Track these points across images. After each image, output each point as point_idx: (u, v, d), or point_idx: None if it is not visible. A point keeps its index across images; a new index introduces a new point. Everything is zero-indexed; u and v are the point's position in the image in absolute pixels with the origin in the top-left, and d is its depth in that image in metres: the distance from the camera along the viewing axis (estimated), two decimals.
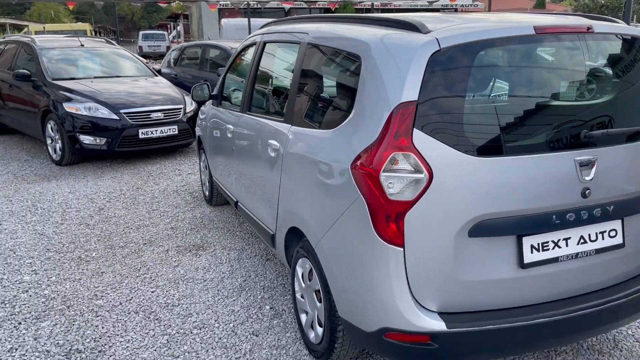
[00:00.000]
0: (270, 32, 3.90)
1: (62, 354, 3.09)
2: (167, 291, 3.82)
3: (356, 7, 18.79)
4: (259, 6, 18.38)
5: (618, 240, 2.48)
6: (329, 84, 2.95)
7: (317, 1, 19.77)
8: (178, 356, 3.06)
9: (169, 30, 43.37)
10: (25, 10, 59.79)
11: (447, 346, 2.29)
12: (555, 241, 2.36)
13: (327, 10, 22.11)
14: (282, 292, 3.76)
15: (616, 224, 2.48)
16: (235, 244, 4.64)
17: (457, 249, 2.24)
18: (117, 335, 3.28)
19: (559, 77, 2.45)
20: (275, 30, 3.82)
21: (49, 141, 7.57)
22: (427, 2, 20.13)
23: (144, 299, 3.72)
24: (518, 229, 2.29)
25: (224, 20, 16.22)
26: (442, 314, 2.30)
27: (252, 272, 4.08)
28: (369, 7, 20.71)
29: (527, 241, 2.31)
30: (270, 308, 3.56)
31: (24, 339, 3.24)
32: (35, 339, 3.24)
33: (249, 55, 4.28)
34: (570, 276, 2.41)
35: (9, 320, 3.46)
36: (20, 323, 3.42)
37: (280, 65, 3.74)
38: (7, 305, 3.65)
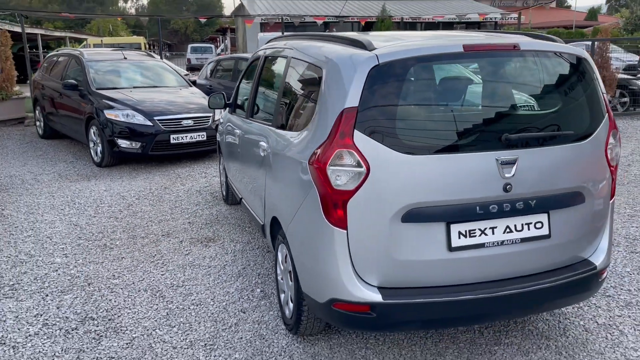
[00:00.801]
0: (270, 48, 4.39)
1: (78, 320, 3.63)
2: (174, 274, 4.34)
3: (394, 20, 19.27)
4: (291, 21, 19.12)
5: (544, 231, 2.82)
6: (301, 92, 3.41)
7: (349, 16, 20.38)
8: (174, 326, 3.55)
9: (218, 44, 44.97)
10: (85, 24, 62.90)
11: (383, 315, 2.68)
12: (482, 229, 2.72)
13: (363, 24, 22.66)
14: (275, 278, 4.21)
15: (542, 217, 2.81)
16: (242, 237, 5.13)
17: (392, 232, 2.64)
18: (126, 307, 3.81)
19: (485, 87, 2.82)
20: (274, 46, 4.31)
21: (91, 145, 8.32)
22: (456, 16, 20.39)
23: (153, 280, 4.24)
24: (446, 217, 2.66)
25: (259, 34, 16.98)
26: (381, 288, 2.70)
27: (251, 262, 4.55)
28: (400, 20, 21.17)
29: (455, 228, 2.69)
30: (261, 291, 4.01)
31: (48, 308, 3.81)
32: (57, 308, 3.80)
33: (255, 67, 4.79)
34: (496, 261, 2.76)
35: (38, 292, 4.05)
36: (47, 295, 4.00)
37: (273, 76, 4.22)
38: (39, 281, 4.25)
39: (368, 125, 2.60)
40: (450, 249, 2.68)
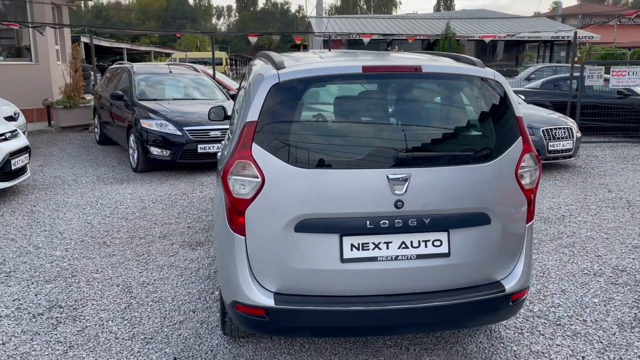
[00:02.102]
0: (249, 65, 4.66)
1: (47, 307, 4.01)
2: (150, 273, 4.65)
3: (457, 37, 19.09)
4: (357, 38, 19.35)
5: (443, 249, 2.84)
6: (237, 106, 3.63)
7: (414, 35, 20.40)
8: (126, 319, 3.84)
9: None
10: (176, 40, 66.44)
11: (276, 320, 2.82)
12: (376, 243, 2.80)
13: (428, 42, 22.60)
14: None
15: (441, 235, 2.84)
16: None
17: (286, 241, 2.78)
18: (94, 299, 4.15)
19: (383, 107, 2.91)
20: (250, 64, 4.56)
21: (130, 151, 8.94)
22: (528, 36, 19.80)
23: (130, 276, 4.58)
24: (339, 229, 2.77)
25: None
26: (277, 294, 2.84)
27: None
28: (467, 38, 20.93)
29: (348, 240, 2.78)
30: (219, 293, 4.23)
31: (27, 294, 4.23)
32: (35, 295, 4.21)
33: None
34: (390, 275, 2.82)
35: (26, 280, 4.49)
36: (32, 283, 4.43)
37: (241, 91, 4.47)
38: (32, 270, 4.71)
39: (265, 138, 2.77)
40: (343, 260, 2.78)
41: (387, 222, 2.77)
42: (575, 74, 12.11)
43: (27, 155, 7.36)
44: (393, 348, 3.44)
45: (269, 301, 2.80)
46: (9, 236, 5.62)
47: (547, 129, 8.82)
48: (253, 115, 2.80)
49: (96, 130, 11.61)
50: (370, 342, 3.49)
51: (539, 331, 3.65)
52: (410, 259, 2.82)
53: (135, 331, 3.67)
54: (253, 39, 15.33)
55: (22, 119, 10.27)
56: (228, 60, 49.84)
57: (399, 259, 2.81)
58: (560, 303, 4.07)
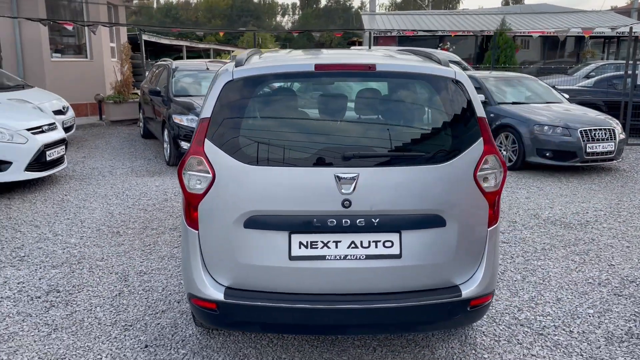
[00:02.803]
0: None
1: (47, 290, 4.24)
2: (151, 263, 4.82)
3: (512, 34, 18.43)
4: (407, 35, 19.09)
5: (394, 251, 2.80)
6: None
7: (462, 30, 19.86)
8: (114, 306, 4.00)
9: None
10: (239, 37, 67.92)
11: (226, 314, 2.87)
12: (325, 242, 2.79)
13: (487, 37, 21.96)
14: None
15: (393, 236, 2.80)
16: None
17: (235, 236, 2.82)
18: (90, 285, 4.35)
19: (334, 106, 2.88)
20: None
21: (164, 145, 9.25)
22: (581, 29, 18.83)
23: (130, 265, 4.76)
24: (288, 227, 2.78)
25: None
26: (229, 288, 2.89)
27: None
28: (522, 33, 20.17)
29: (296, 238, 2.79)
30: None
31: (32, 278, 4.48)
32: (39, 279, 4.46)
33: None
34: (339, 274, 2.80)
35: (36, 265, 4.76)
36: (40, 268, 4.70)
37: None
38: (44, 256, 4.98)
39: (217, 135, 2.82)
40: (291, 257, 2.79)
41: (335, 221, 2.76)
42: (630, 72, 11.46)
43: (62, 147, 7.77)
44: (360, 348, 3.42)
45: (219, 295, 2.86)
46: (35, 223, 5.97)
47: (585, 130, 8.41)
48: (207, 112, 2.86)
49: (140, 124, 12.08)
50: (338, 341, 3.48)
51: (518, 340, 3.52)
52: (360, 259, 2.79)
53: (119, 318, 3.82)
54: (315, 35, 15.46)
55: (70, 113, 10.82)
56: None
57: (348, 259, 2.79)
58: (551, 312, 3.90)
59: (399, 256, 2.80)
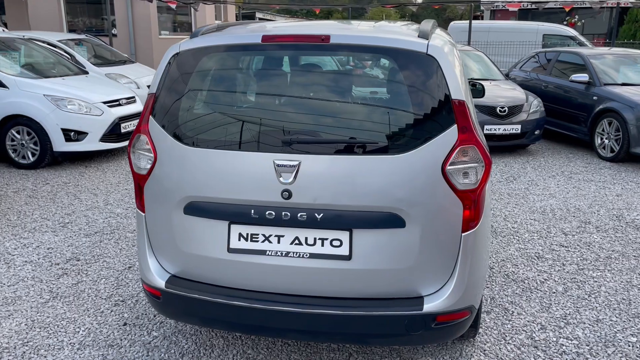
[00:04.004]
0: None
1: (68, 258, 4.39)
2: None
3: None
4: (534, 7, 17.32)
5: (343, 251, 2.44)
6: None
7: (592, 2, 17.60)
8: (119, 279, 4.04)
9: None
10: (363, 14, 67.45)
11: (167, 303, 2.71)
12: (266, 235, 2.50)
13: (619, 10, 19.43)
14: None
15: (342, 235, 2.44)
16: None
17: (176, 222, 2.63)
18: (108, 256, 4.43)
19: (280, 84, 2.52)
20: None
21: None
22: None
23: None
24: (227, 216, 2.53)
25: (451, 24, 16.10)
26: (173, 277, 2.72)
27: None
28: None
29: (236, 229, 2.53)
30: None
31: (63, 244, 4.67)
32: (68, 245, 4.64)
33: None
34: (280, 272, 2.50)
35: (73, 231, 4.96)
36: (75, 235, 4.89)
37: None
38: (84, 223, 5.19)
39: (160, 112, 2.62)
40: (229, 250, 2.55)
41: (274, 213, 2.46)
42: None
43: (137, 120, 8.10)
44: (335, 352, 3.10)
45: (161, 283, 2.70)
46: (95, 191, 6.27)
47: None
48: (153, 87, 2.68)
49: None
50: (312, 342, 3.18)
51: None
52: (303, 257, 2.47)
53: (116, 292, 3.84)
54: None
55: None
56: None
57: (290, 256, 2.48)
58: (581, 336, 3.27)
59: (348, 257, 2.44)
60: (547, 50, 10.43)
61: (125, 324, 3.43)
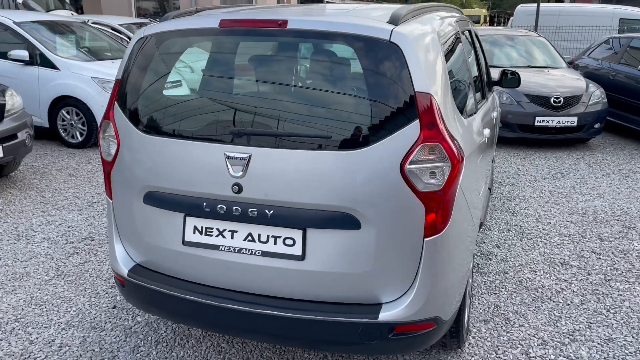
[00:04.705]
0: None
1: (83, 237, 4.51)
2: None
3: None
4: None
5: (296, 251, 2.30)
6: None
7: None
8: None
9: None
10: None
11: (130, 291, 2.69)
12: (220, 230, 2.41)
13: None
14: None
15: (295, 233, 2.30)
16: None
17: (136, 212, 2.59)
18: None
19: (237, 71, 2.38)
20: None
21: None
22: None
23: None
24: (182, 208, 2.45)
25: (518, 7, 14.98)
26: (139, 266, 2.69)
27: None
28: None
29: (191, 221, 2.45)
30: None
31: (83, 224, 4.81)
32: (88, 225, 4.77)
33: None
34: (233, 269, 2.40)
35: (97, 211, 5.10)
36: (97, 215, 5.02)
37: None
38: None
39: (123, 99, 2.58)
40: (184, 242, 2.47)
41: (225, 207, 2.35)
42: None
43: None
44: (309, 353, 2.98)
45: (125, 271, 2.68)
46: None
47: None
48: (119, 72, 2.63)
49: None
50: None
51: None
52: (256, 254, 2.36)
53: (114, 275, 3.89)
54: None
55: None
56: (487, 18, 47.03)
57: (243, 253, 2.38)
58: (584, 356, 2.96)
59: (300, 258, 2.30)
60: (619, 36, 9.60)
61: (114, 307, 3.46)
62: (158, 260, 2.60)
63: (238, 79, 2.42)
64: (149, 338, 3.13)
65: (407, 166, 2.16)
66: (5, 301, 3.52)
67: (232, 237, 2.40)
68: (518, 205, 5.38)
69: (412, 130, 2.16)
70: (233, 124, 2.32)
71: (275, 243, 2.33)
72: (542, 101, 7.44)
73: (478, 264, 4.04)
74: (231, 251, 2.39)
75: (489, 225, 4.83)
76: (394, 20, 2.28)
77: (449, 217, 2.27)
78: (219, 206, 2.36)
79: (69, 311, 3.42)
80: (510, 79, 4.81)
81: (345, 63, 2.29)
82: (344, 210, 2.23)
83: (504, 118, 7.50)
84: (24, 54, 7.39)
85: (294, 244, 2.31)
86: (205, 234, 2.43)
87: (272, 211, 2.29)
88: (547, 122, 7.39)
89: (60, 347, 3.07)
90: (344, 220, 2.24)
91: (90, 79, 7.30)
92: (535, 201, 5.50)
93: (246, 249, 2.37)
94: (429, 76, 2.20)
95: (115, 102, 2.61)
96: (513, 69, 4.83)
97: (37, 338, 3.13)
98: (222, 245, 2.41)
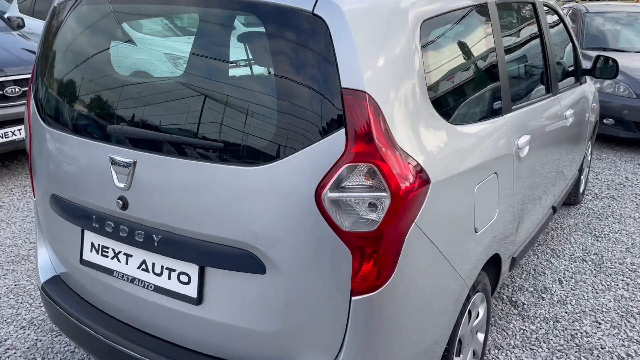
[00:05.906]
0: None
1: None
2: None
3: None
4: None
5: (191, 291, 1.74)
6: None
7: None
8: None
9: None
10: None
11: (44, 301, 2.31)
12: (116, 252, 1.91)
13: None
14: None
15: (190, 268, 1.74)
16: None
17: (48, 217, 2.19)
18: None
19: (128, 51, 1.81)
20: None
21: None
22: None
23: None
24: (78, 220, 2.00)
25: None
26: (58, 277, 2.30)
27: None
28: None
29: (89, 237, 2.00)
30: None
31: None
32: None
33: None
34: (126, 301, 1.91)
35: None
36: None
37: None
38: None
39: (35, 83, 2.16)
40: (82, 261, 2.02)
41: (113, 225, 1.85)
42: None
43: None
44: None
45: (41, 281, 2.30)
46: None
47: None
48: (38, 48, 2.21)
49: None
50: None
51: None
52: (148, 288, 1.84)
53: None
54: None
55: None
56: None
57: (136, 284, 1.87)
58: None
59: (196, 301, 1.74)
60: None
61: None
62: (66, 276, 2.19)
63: (132, 61, 1.86)
64: None
65: (327, 193, 1.49)
66: None
67: (126, 263, 1.90)
68: (609, 226, 4.30)
69: (334, 142, 1.48)
70: (114, 118, 1.79)
71: (169, 277, 1.79)
72: None
73: (524, 304, 3.18)
74: (124, 279, 1.90)
75: (558, 251, 3.87)
76: None
77: (393, 270, 1.57)
78: (107, 222, 1.87)
79: (40, 307, 3.16)
80: (606, 67, 3.79)
81: (253, 43, 1.64)
82: (242, 247, 1.62)
83: (618, 114, 6.23)
84: None
85: (189, 282, 1.75)
86: (102, 254, 1.96)
87: (159, 237, 1.74)
88: None
89: (8, 349, 2.80)
90: (244, 261, 1.63)
91: None
92: (634, 223, 4.38)
93: (139, 280, 1.86)
94: (369, 66, 1.49)
95: (32, 84, 2.20)
96: (607, 56, 3.78)
97: None
98: (116, 271, 1.92)
